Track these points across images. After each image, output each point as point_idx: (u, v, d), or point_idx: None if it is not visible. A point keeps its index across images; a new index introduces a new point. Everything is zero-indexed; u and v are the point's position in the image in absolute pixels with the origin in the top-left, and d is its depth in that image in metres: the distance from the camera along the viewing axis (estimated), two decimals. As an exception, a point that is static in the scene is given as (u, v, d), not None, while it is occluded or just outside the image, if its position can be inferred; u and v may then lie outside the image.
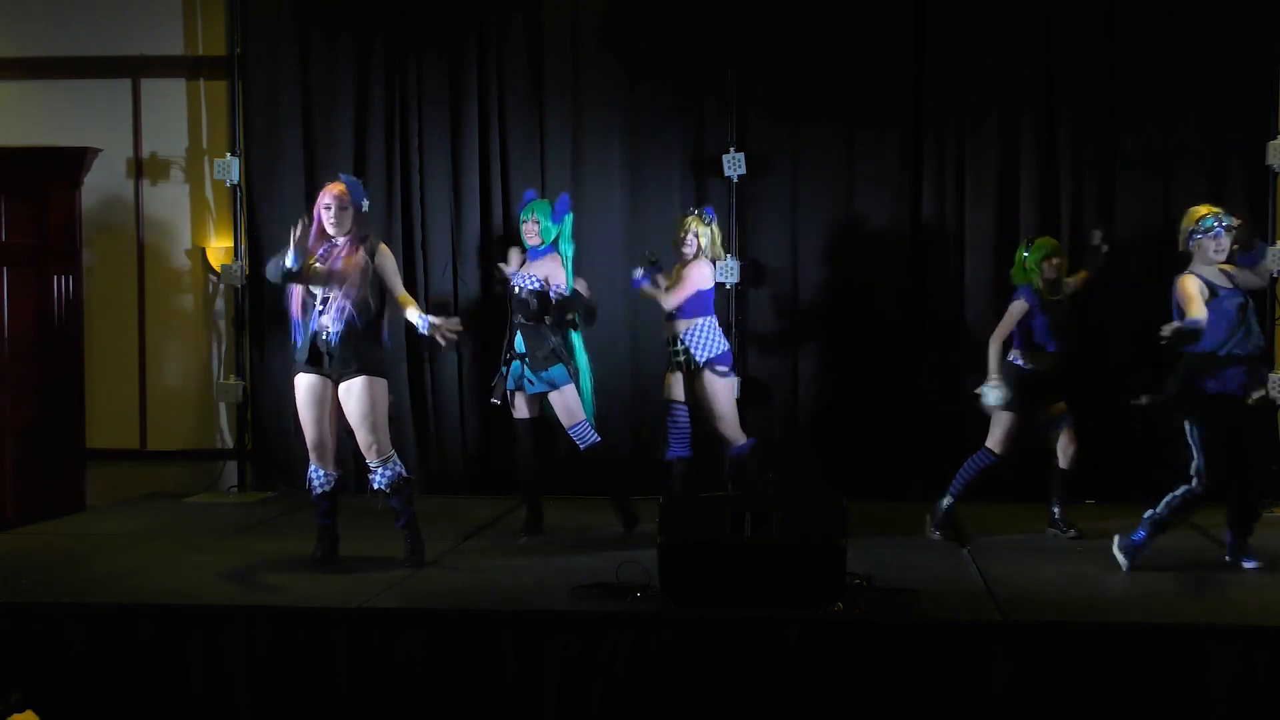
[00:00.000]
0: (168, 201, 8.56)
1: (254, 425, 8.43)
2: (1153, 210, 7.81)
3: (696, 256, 7.04)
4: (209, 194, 8.53)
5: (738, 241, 8.03)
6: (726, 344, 7.12)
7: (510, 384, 6.87)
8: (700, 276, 7.02)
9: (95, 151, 8.51)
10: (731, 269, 7.92)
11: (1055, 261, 6.73)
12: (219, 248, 8.45)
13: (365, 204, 6.24)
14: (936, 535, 6.80)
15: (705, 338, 7.02)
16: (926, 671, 4.99)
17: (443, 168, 8.26)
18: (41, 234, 8.55)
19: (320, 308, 6.11)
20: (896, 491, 7.84)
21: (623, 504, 7.00)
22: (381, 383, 6.14)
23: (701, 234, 7.06)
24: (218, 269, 8.40)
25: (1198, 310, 5.89)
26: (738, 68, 8.05)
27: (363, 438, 6.13)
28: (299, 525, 7.33)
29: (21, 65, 8.52)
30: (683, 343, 7.03)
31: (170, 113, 8.52)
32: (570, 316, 6.86)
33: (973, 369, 7.79)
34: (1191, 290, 5.96)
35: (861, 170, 8.00)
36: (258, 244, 8.35)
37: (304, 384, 6.20)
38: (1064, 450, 6.84)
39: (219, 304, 8.52)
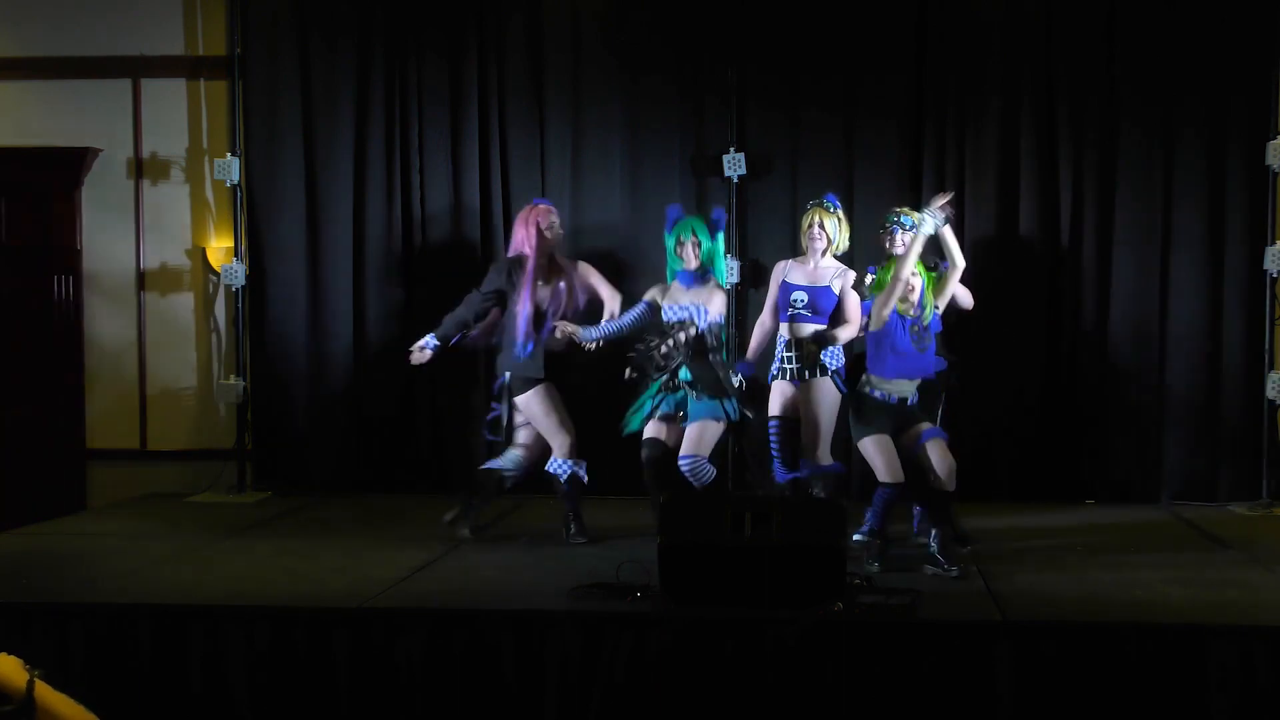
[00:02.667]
0: (168, 201, 8.55)
1: (254, 425, 8.42)
2: (1152, 208, 7.83)
3: (826, 251, 6.68)
4: (209, 194, 8.53)
5: (738, 241, 8.03)
6: (844, 359, 6.71)
7: (666, 408, 6.60)
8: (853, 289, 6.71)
9: (95, 151, 8.50)
10: (731, 269, 7.92)
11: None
12: (219, 248, 8.45)
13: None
14: (876, 567, 6.01)
15: (835, 347, 6.66)
16: (926, 671, 4.99)
17: (443, 167, 8.25)
18: (41, 234, 8.55)
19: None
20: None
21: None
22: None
23: (829, 225, 6.70)
24: (218, 269, 8.40)
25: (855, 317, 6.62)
26: (738, 67, 8.05)
27: None
28: (299, 525, 7.35)
29: (21, 65, 8.51)
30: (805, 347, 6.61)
31: (170, 113, 8.51)
32: (714, 355, 6.56)
33: (975, 366, 7.83)
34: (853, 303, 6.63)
35: (862, 171, 7.99)
36: (258, 244, 8.36)
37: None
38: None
39: (219, 304, 8.52)
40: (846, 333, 6.60)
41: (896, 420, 6.21)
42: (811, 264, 6.73)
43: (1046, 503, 7.75)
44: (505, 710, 5.12)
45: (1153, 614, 5.25)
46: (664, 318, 6.64)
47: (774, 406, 6.73)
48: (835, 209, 6.76)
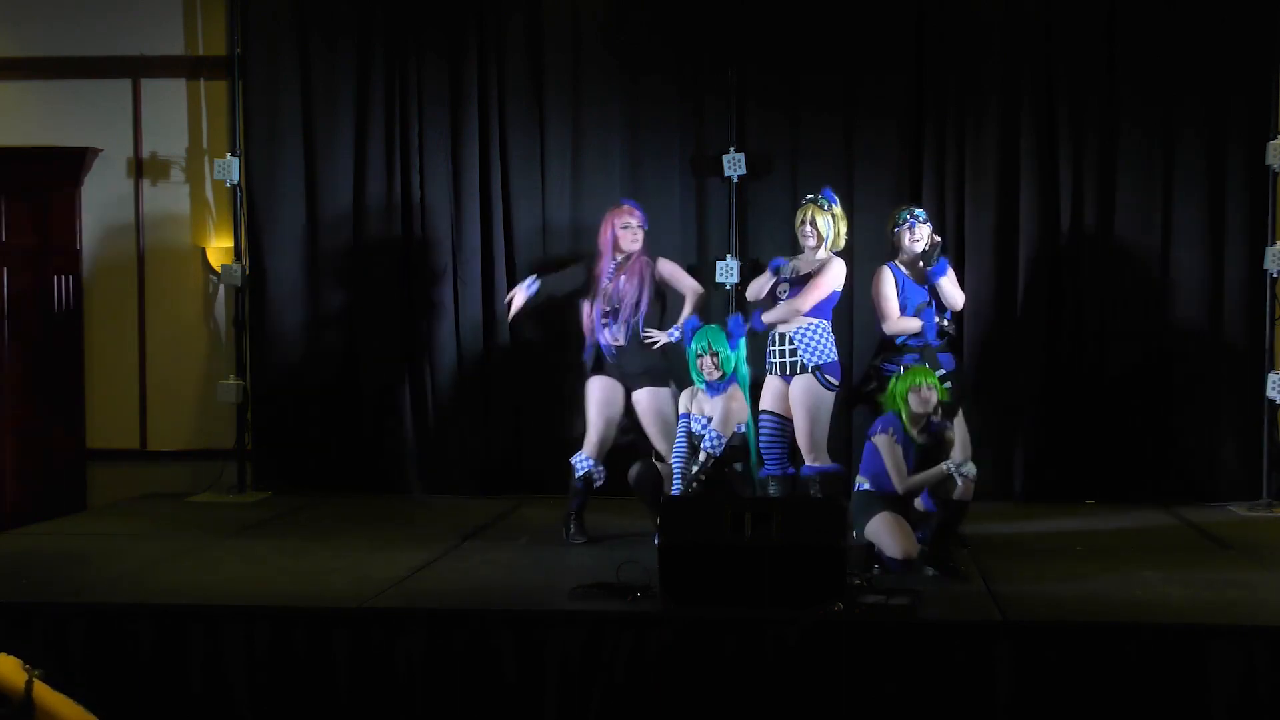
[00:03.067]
0: (168, 201, 8.55)
1: (254, 425, 8.42)
2: (1152, 209, 7.82)
3: (819, 248, 6.59)
4: (209, 194, 8.53)
5: (738, 241, 8.03)
6: (837, 355, 6.61)
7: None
8: (836, 277, 6.58)
9: (95, 151, 8.51)
10: (731, 269, 7.93)
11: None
12: (219, 248, 8.45)
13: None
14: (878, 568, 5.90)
15: (819, 341, 6.51)
16: (926, 671, 4.99)
17: (443, 168, 8.25)
18: (41, 234, 8.55)
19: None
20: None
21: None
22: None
23: (821, 222, 6.59)
24: (218, 269, 8.40)
25: (895, 309, 6.58)
26: (738, 67, 8.05)
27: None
28: (299, 525, 7.35)
29: (21, 65, 8.51)
30: (790, 341, 6.54)
31: (170, 113, 8.51)
32: (730, 467, 6.30)
33: (974, 366, 7.83)
34: (888, 291, 6.60)
35: (862, 171, 7.98)
36: (258, 244, 8.35)
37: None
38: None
39: (219, 304, 8.52)
40: (795, 304, 6.50)
41: (898, 503, 6.02)
42: (803, 259, 6.73)
43: (1046, 503, 7.75)
44: (505, 710, 5.12)
45: (1153, 614, 5.24)
46: (690, 428, 6.40)
47: (765, 401, 6.70)
48: (830, 204, 6.68)
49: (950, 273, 6.72)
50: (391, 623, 5.22)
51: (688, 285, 6.92)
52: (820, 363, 6.52)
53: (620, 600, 5.32)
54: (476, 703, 5.13)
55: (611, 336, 6.80)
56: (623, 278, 6.82)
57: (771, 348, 6.65)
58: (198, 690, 5.22)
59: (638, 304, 6.80)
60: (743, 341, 6.45)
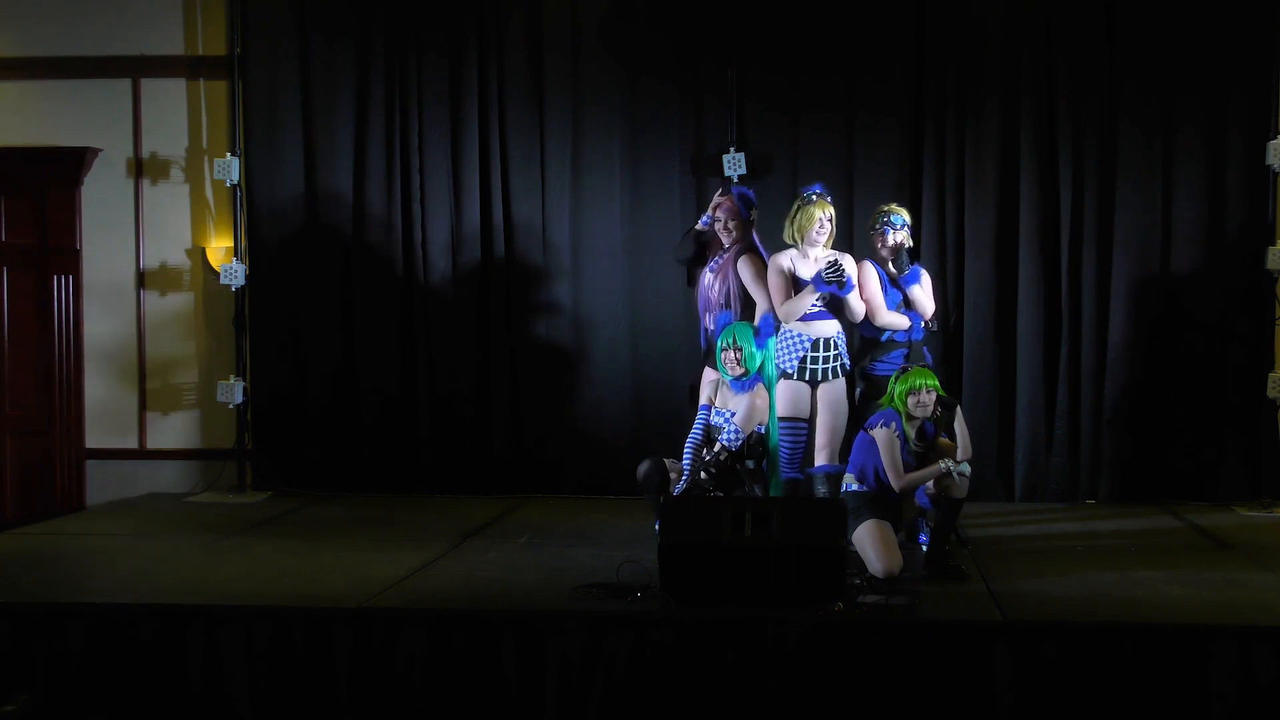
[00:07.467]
0: (168, 201, 8.56)
1: (254, 425, 8.42)
2: (1152, 209, 7.82)
3: (828, 244, 6.54)
4: (209, 194, 8.53)
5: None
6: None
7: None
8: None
9: (95, 151, 8.51)
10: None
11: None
12: (219, 248, 8.45)
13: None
14: None
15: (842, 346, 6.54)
16: (926, 671, 4.99)
17: (443, 168, 8.25)
18: (41, 234, 8.56)
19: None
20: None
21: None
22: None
23: (830, 217, 6.53)
24: (218, 269, 8.40)
25: (883, 302, 6.55)
26: (738, 67, 8.05)
27: None
28: (299, 525, 7.35)
29: (21, 65, 8.52)
30: (835, 346, 6.46)
31: (170, 113, 8.51)
32: (742, 464, 6.28)
33: (974, 366, 7.83)
34: (876, 285, 6.58)
35: (862, 170, 7.98)
36: (258, 244, 8.36)
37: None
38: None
39: (219, 304, 8.51)
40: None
41: (888, 504, 5.91)
42: (812, 257, 6.57)
43: (1047, 503, 7.76)
44: (505, 710, 5.12)
45: (1153, 614, 5.24)
46: (709, 420, 6.41)
47: (784, 407, 6.50)
48: (829, 199, 6.63)
49: (924, 281, 6.69)
50: (391, 623, 5.22)
51: (756, 297, 6.62)
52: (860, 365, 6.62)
53: (620, 600, 5.32)
54: (476, 702, 5.13)
55: (706, 324, 6.81)
56: (716, 272, 6.77)
57: (814, 354, 6.46)
58: (198, 690, 5.22)
59: (723, 300, 6.70)
60: (772, 341, 6.43)
